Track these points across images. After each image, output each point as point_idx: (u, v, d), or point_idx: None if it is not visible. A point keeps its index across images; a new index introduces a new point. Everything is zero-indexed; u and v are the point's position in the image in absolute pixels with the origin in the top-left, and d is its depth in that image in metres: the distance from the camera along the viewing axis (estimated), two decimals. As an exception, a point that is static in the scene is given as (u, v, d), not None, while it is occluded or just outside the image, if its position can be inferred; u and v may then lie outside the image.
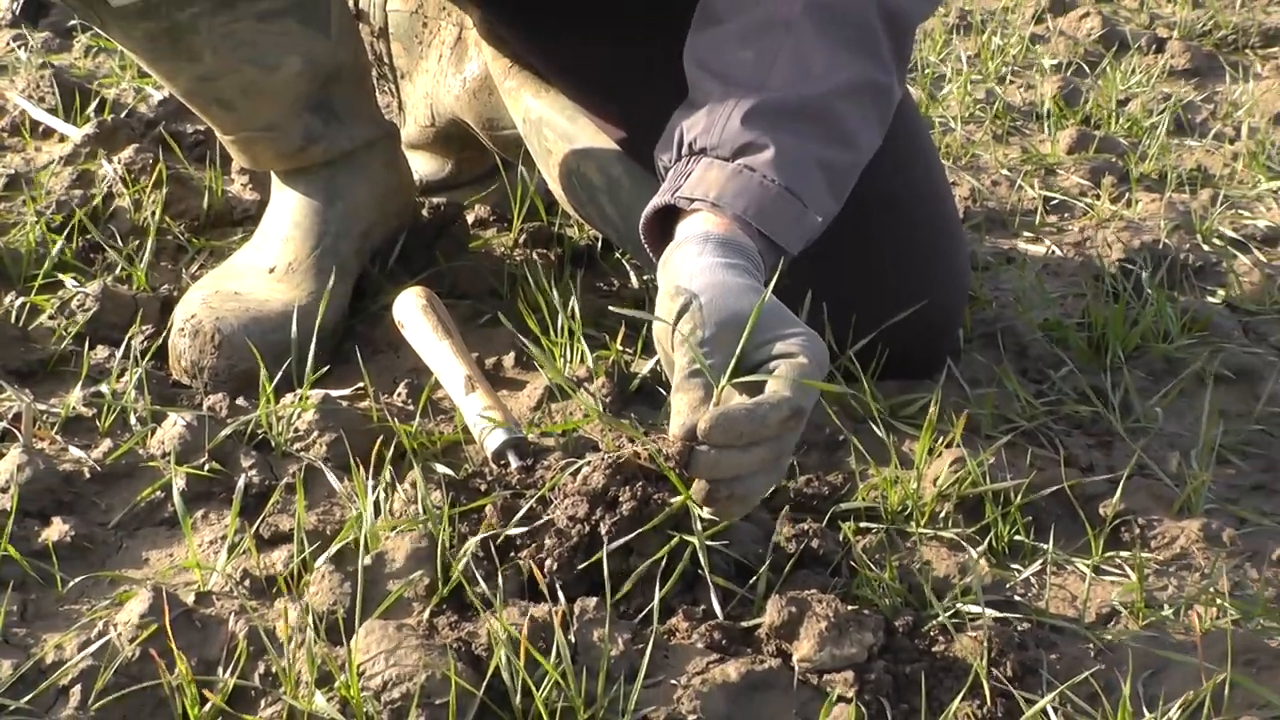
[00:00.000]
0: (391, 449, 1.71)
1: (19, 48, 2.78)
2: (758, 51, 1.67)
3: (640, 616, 1.44)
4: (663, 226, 1.63)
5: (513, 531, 1.52)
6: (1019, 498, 1.66)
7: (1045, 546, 1.62)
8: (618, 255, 2.10)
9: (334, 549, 1.53)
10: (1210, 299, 2.19)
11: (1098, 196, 2.50)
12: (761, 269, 1.55)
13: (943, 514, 1.67)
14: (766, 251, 1.58)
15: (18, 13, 2.83)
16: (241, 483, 1.65)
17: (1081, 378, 1.94)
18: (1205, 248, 2.34)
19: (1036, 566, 1.60)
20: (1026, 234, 2.37)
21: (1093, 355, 2.01)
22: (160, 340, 1.90)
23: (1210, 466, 1.77)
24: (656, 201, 1.63)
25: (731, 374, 1.43)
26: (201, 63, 1.87)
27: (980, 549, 1.62)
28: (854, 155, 1.68)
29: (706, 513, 1.44)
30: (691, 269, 1.50)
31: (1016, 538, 1.64)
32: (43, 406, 1.77)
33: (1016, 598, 1.54)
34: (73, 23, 2.86)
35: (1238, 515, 1.71)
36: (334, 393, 1.80)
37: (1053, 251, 2.31)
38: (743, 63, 1.67)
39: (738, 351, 1.43)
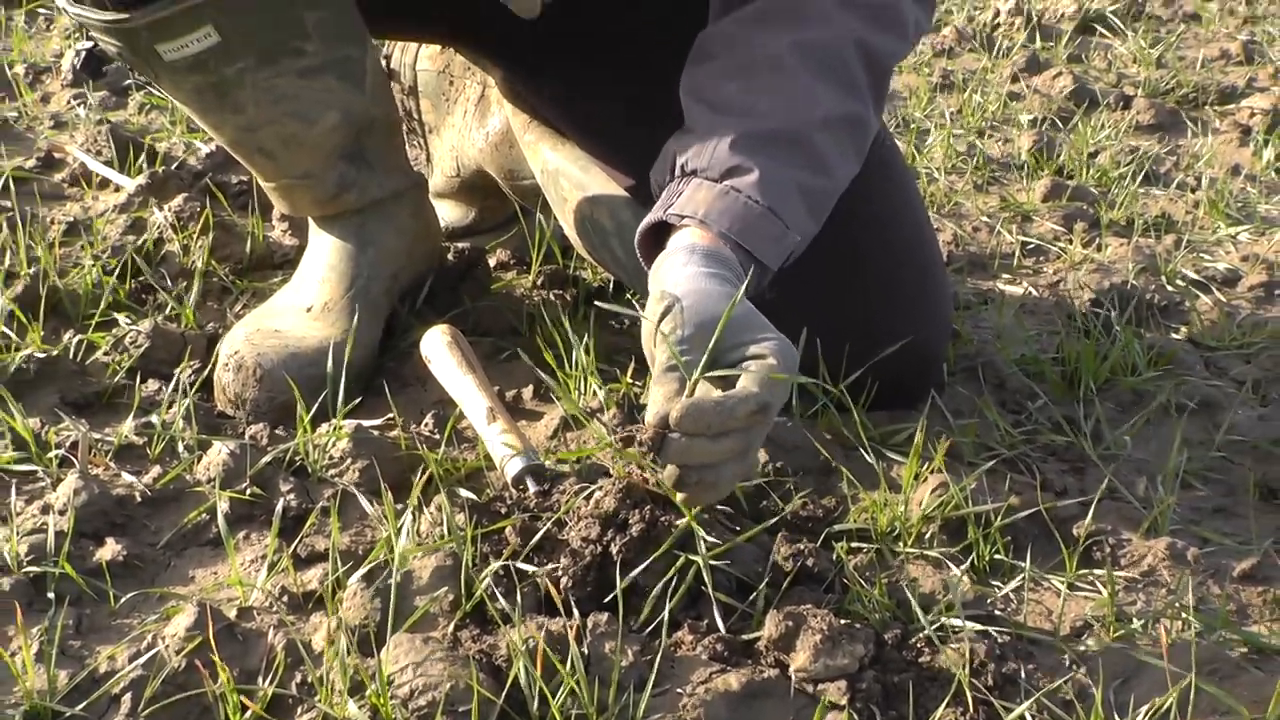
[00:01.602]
0: (419, 475, 1.70)
1: (79, 105, 2.79)
2: (745, 85, 1.68)
3: (649, 630, 1.43)
4: (656, 240, 1.64)
5: (530, 552, 1.52)
6: (999, 519, 1.65)
7: (1023, 565, 1.61)
8: (628, 295, 2.10)
9: (365, 568, 1.53)
10: (1174, 335, 2.19)
11: (1070, 241, 2.50)
12: (743, 280, 1.55)
13: (928, 535, 1.66)
14: (748, 265, 1.59)
15: (79, 67, 2.86)
16: (280, 506, 1.64)
17: (1056, 409, 1.94)
18: (1169, 288, 2.34)
19: (1015, 583, 1.59)
20: (1005, 276, 2.37)
21: (1066, 388, 2.00)
22: (206, 374, 1.90)
23: (1175, 490, 1.77)
24: (650, 218, 1.65)
25: (704, 369, 1.45)
26: (246, 114, 1.88)
27: (963, 567, 1.61)
28: (832, 181, 1.69)
29: (680, 498, 1.45)
30: (677, 276, 1.53)
31: (996, 556, 1.64)
32: (98, 435, 1.77)
33: (997, 612, 1.54)
34: (128, 82, 2.86)
35: (1201, 535, 1.70)
36: (366, 423, 1.80)
37: (1029, 292, 2.30)
38: (731, 94, 1.68)
39: (709, 348, 1.46)
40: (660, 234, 1.63)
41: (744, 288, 1.50)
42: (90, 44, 2.88)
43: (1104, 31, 3.72)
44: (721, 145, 1.63)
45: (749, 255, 1.60)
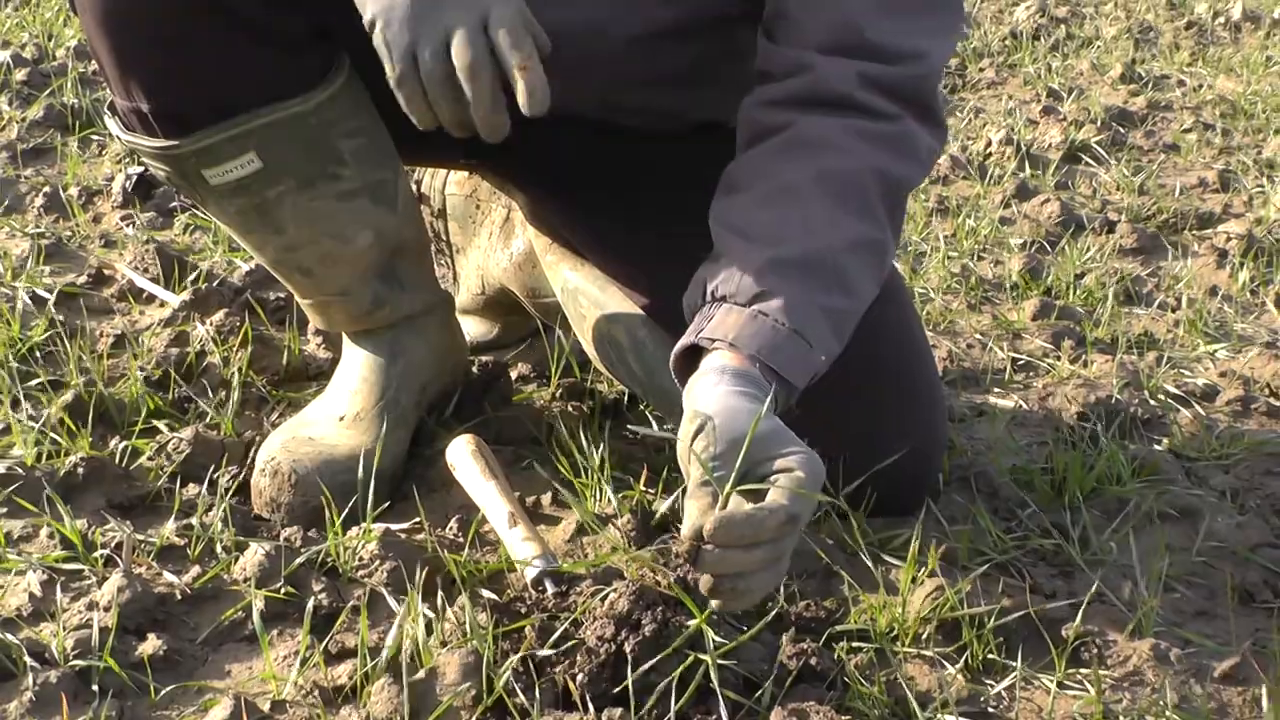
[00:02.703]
0: (443, 576, 1.71)
1: (128, 226, 2.81)
2: (771, 214, 1.69)
3: (660, 725, 1.43)
4: (689, 361, 1.65)
5: (548, 650, 1.52)
6: (991, 621, 1.65)
7: (1015, 664, 1.61)
8: (642, 407, 2.11)
9: (392, 663, 1.53)
10: (1157, 447, 2.19)
11: (1058, 358, 2.50)
12: (771, 397, 1.56)
13: (925, 635, 1.66)
14: (776, 384, 1.60)
15: (130, 189, 2.89)
16: (312, 605, 1.64)
17: (1045, 516, 1.94)
18: (1152, 403, 2.34)
19: (1007, 682, 1.59)
20: (997, 390, 2.37)
21: (1055, 496, 2.00)
22: (244, 479, 1.90)
23: (1159, 594, 1.76)
24: (684, 341, 1.65)
25: (735, 484, 1.45)
26: (286, 234, 1.90)
27: (958, 666, 1.61)
28: (854, 302, 1.70)
29: (715, 606, 1.46)
30: (709, 396, 1.53)
31: (989, 656, 1.63)
32: (141, 536, 1.78)
33: (990, 710, 1.54)
34: (174, 204, 2.88)
35: (1183, 637, 1.70)
36: (394, 526, 1.80)
37: (1020, 406, 2.31)
38: (759, 223, 1.69)
39: (738, 463, 1.46)
40: (693, 356, 1.64)
41: (767, 403, 1.51)
42: (141, 169, 2.91)
43: (1089, 160, 3.74)
44: (749, 272, 1.64)
45: (777, 375, 1.60)
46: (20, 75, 3.56)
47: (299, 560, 1.73)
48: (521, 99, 1.57)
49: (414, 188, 2.38)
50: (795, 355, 1.61)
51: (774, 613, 1.63)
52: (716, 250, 1.71)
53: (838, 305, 1.67)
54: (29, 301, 2.38)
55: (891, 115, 1.74)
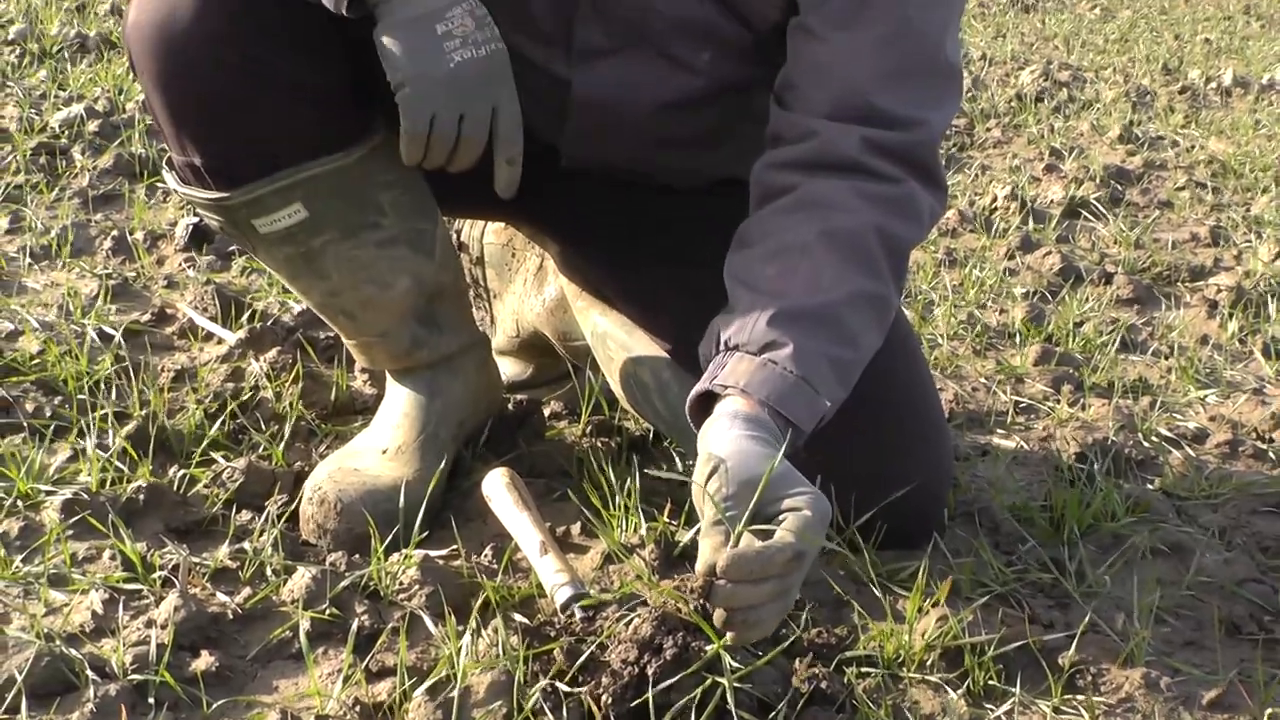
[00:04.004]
0: (478, 600, 1.71)
1: (189, 268, 2.82)
2: (780, 269, 1.70)
3: (679, 743, 1.43)
4: (703, 407, 1.65)
5: (575, 672, 1.52)
6: (992, 649, 1.65)
7: (1014, 690, 1.61)
8: (666, 443, 2.11)
9: (429, 682, 1.53)
10: (1149, 486, 2.18)
11: (1058, 401, 2.50)
12: (781, 441, 1.57)
13: (929, 662, 1.65)
14: (785, 429, 1.61)
15: (187, 240, 2.90)
16: (355, 626, 1.65)
17: (1044, 550, 1.93)
18: (1145, 444, 2.33)
19: (1006, 707, 1.59)
20: (999, 431, 2.37)
21: (1053, 532, 2.00)
22: (293, 507, 1.91)
23: (1150, 625, 1.76)
24: (698, 388, 1.66)
25: (746, 523, 1.46)
26: (330, 280, 1.91)
27: (960, 692, 1.61)
28: (858, 353, 1.71)
29: (730, 637, 1.46)
30: (722, 439, 1.54)
31: (990, 683, 1.63)
32: (197, 559, 1.78)
33: (990, 733, 1.53)
34: (232, 248, 2.90)
35: (1173, 666, 1.69)
36: (433, 553, 1.80)
37: (1021, 446, 2.30)
38: (768, 277, 1.70)
39: (752, 504, 1.47)
40: (707, 402, 1.65)
41: (784, 448, 1.52)
42: (196, 219, 2.93)
43: (1088, 216, 3.74)
44: (760, 322, 1.65)
45: (785, 420, 1.61)
46: (92, 126, 3.58)
47: (343, 583, 1.73)
48: (501, 184, 1.80)
49: (454, 237, 2.39)
50: (802, 401, 1.62)
51: (789, 640, 1.62)
52: (730, 302, 1.72)
53: (842, 355, 1.67)
54: (96, 338, 2.40)
55: (894, 178, 1.75)
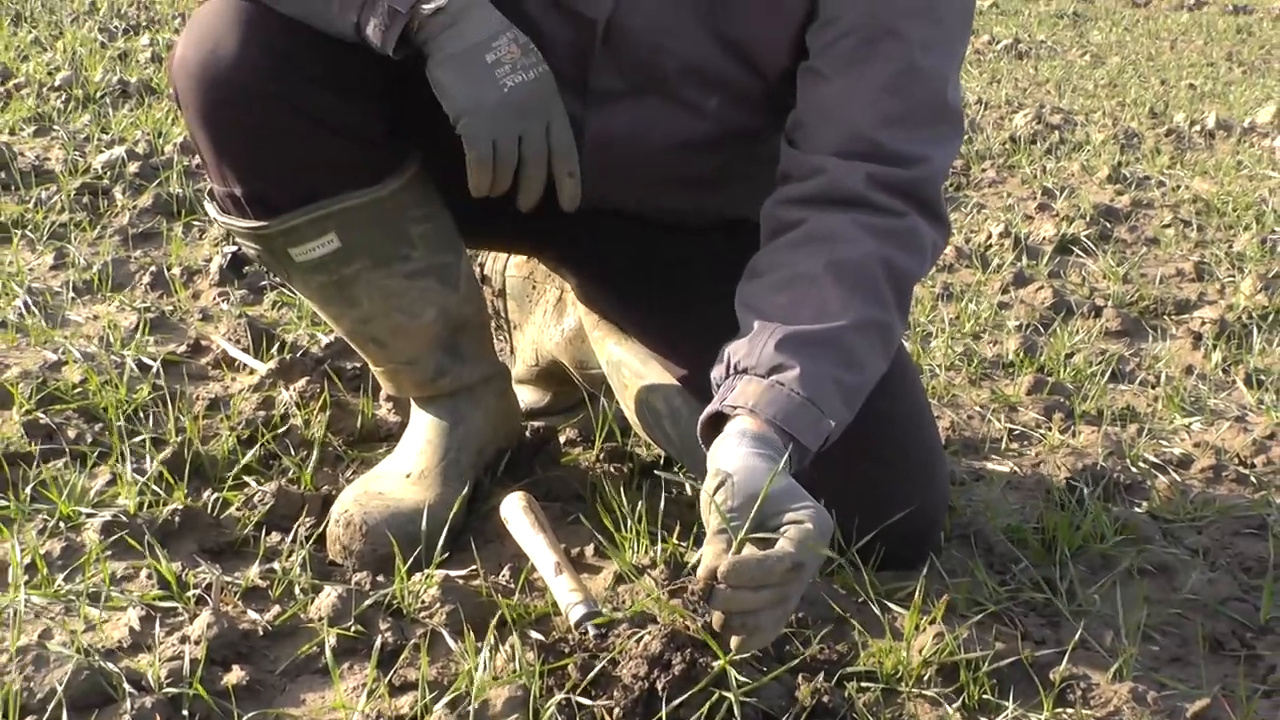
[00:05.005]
0: (496, 618, 1.71)
1: (223, 301, 2.83)
2: (789, 297, 1.70)
3: (687, 755, 1.42)
4: (714, 427, 1.65)
5: (588, 686, 1.51)
6: (986, 665, 1.65)
7: (1007, 704, 1.60)
8: (677, 468, 2.11)
9: (449, 696, 1.53)
10: (1137, 510, 2.18)
11: (1050, 429, 2.49)
12: (787, 458, 1.57)
13: (926, 677, 1.65)
14: (792, 447, 1.60)
15: (225, 268, 2.91)
16: (379, 642, 1.65)
17: (1036, 570, 1.93)
18: (1133, 470, 2.33)
19: (1000, 721, 1.58)
20: (994, 457, 2.37)
21: (1045, 553, 1.99)
22: (320, 529, 1.91)
23: (1137, 642, 1.76)
24: (710, 409, 1.67)
25: (748, 531, 1.47)
26: (361, 308, 1.91)
27: (956, 706, 1.60)
28: (862, 377, 1.71)
29: (733, 644, 1.46)
30: (730, 455, 1.55)
31: (984, 697, 1.63)
32: (228, 579, 1.78)
33: (984, 746, 1.52)
34: (264, 283, 2.91)
35: (1159, 681, 1.69)
36: (453, 573, 1.81)
37: (1014, 471, 2.30)
38: (777, 304, 1.70)
39: (753, 513, 1.47)
40: (718, 422, 1.65)
41: (783, 461, 1.53)
42: (235, 248, 2.93)
43: (1079, 252, 3.74)
44: (768, 346, 1.66)
45: (791, 438, 1.61)
46: (133, 168, 3.60)
47: (368, 602, 1.73)
48: (564, 197, 1.83)
49: (478, 271, 2.39)
50: (808, 421, 1.62)
51: (793, 656, 1.62)
52: (741, 329, 1.72)
53: (848, 378, 1.67)
54: (135, 368, 2.40)
55: (898, 212, 1.75)
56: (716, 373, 1.72)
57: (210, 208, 1.90)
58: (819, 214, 1.75)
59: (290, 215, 1.83)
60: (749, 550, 1.47)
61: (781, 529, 1.48)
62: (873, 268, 1.72)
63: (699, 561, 1.51)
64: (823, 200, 1.76)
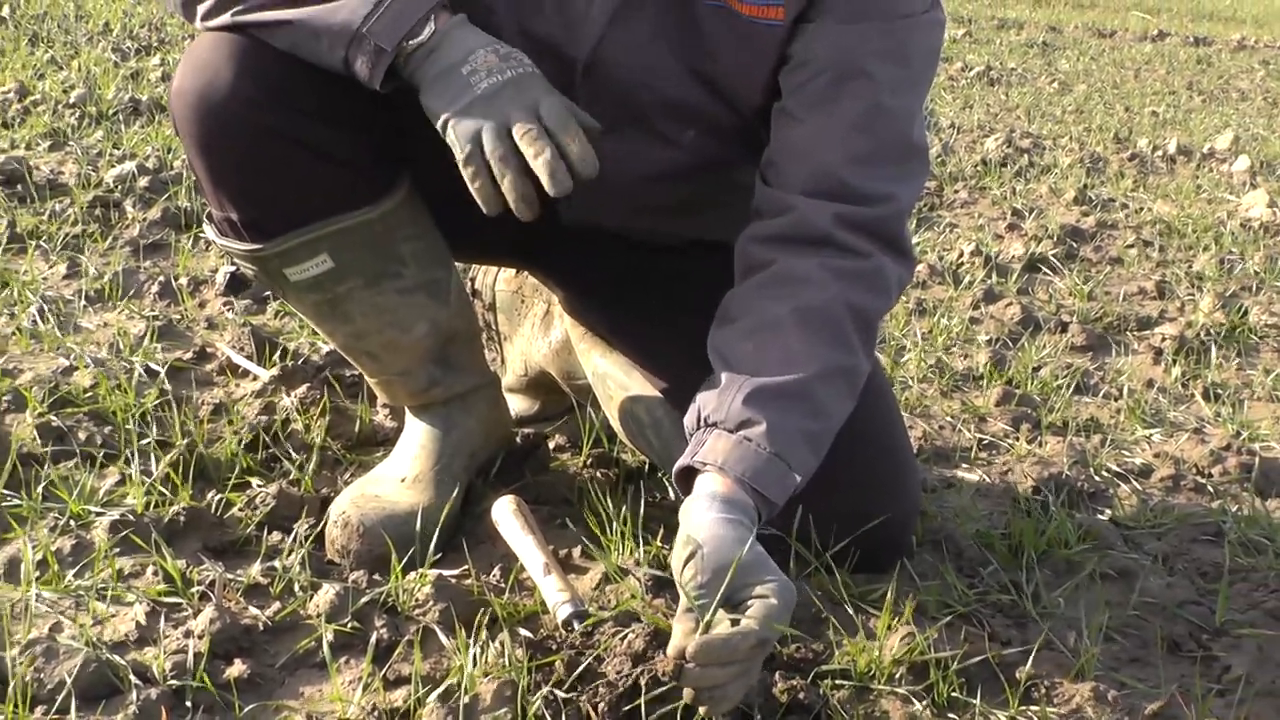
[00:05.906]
0: (487, 615, 1.71)
1: (228, 311, 2.83)
2: (755, 344, 1.70)
3: (668, 748, 1.43)
4: (687, 476, 1.65)
5: (574, 682, 1.52)
6: (955, 664, 1.65)
7: (974, 702, 1.61)
8: (660, 475, 2.11)
9: (441, 689, 1.53)
10: (1099, 517, 2.18)
11: (1017, 439, 2.50)
12: (755, 518, 1.58)
13: (898, 675, 1.65)
14: (759, 503, 1.61)
15: (226, 286, 2.91)
16: (374, 638, 1.65)
17: (1003, 574, 1.93)
18: (1096, 478, 2.34)
19: (968, 717, 1.58)
20: (964, 466, 2.37)
21: (1012, 557, 2.00)
22: (319, 529, 1.91)
23: (1099, 643, 1.76)
24: (681, 463, 1.66)
25: (714, 611, 1.47)
26: (354, 324, 1.91)
27: (925, 703, 1.61)
28: (829, 423, 1.71)
29: (702, 711, 1.45)
30: (700, 521, 1.54)
31: (953, 694, 1.63)
32: (231, 576, 1.78)
33: (952, 741, 1.53)
34: (266, 294, 2.90)
35: (1119, 680, 1.69)
36: (445, 572, 1.80)
37: (983, 479, 2.31)
38: (745, 353, 1.70)
39: (720, 592, 1.47)
40: (690, 471, 1.65)
41: (750, 539, 1.52)
42: (233, 268, 2.93)
43: (1046, 270, 3.74)
44: (736, 401, 1.65)
45: (759, 494, 1.61)
46: (143, 182, 3.59)
47: (364, 599, 1.73)
48: (574, 168, 1.61)
49: (469, 285, 2.40)
50: (775, 477, 1.62)
51: (771, 656, 1.62)
52: (713, 376, 1.72)
53: (814, 427, 1.68)
54: (143, 373, 2.40)
55: (864, 253, 1.75)
56: (688, 422, 1.72)
57: (209, 230, 1.90)
58: (787, 256, 1.74)
59: (284, 238, 1.82)
60: (717, 628, 1.46)
61: (748, 604, 1.48)
62: (838, 311, 1.72)
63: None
64: (790, 239, 1.75)
